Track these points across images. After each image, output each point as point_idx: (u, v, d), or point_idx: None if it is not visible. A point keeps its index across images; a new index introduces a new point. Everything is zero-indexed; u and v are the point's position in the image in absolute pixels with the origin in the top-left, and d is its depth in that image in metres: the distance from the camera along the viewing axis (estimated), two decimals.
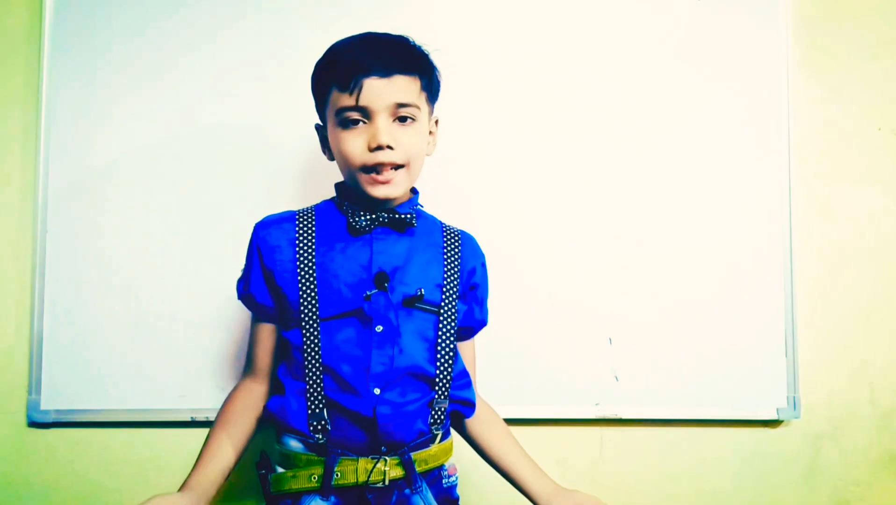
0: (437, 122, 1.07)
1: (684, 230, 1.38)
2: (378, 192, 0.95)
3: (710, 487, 1.40)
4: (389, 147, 0.93)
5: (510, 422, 1.35)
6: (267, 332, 1.02)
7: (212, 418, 1.28)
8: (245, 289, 1.01)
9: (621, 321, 1.36)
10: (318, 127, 1.04)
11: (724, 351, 1.37)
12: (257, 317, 1.03)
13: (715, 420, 1.39)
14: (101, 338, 1.29)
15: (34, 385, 1.29)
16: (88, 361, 1.28)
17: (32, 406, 1.29)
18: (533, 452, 1.36)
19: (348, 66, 0.94)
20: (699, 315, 1.37)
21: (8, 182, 1.34)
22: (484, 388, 1.29)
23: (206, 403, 1.28)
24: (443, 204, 1.32)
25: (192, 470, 0.94)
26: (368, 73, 0.93)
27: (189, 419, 1.29)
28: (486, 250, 1.34)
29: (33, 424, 1.30)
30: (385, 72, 0.94)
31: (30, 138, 1.33)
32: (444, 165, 1.35)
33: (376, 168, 0.94)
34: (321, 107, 1.01)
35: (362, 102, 0.93)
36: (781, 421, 1.41)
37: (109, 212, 1.31)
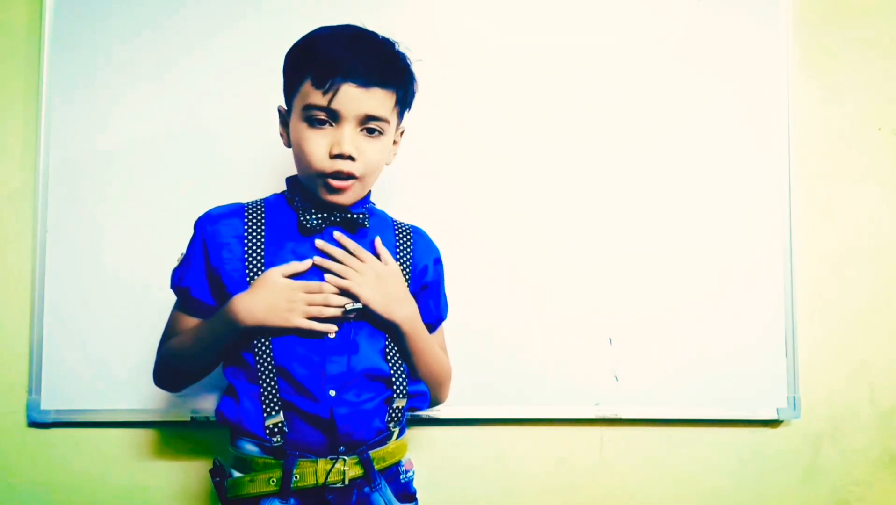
0: (402, 132, 1.07)
1: (684, 230, 1.38)
2: (331, 197, 0.96)
3: (710, 487, 1.40)
4: (351, 158, 0.93)
5: (510, 422, 1.36)
6: (190, 325, 1.01)
7: (212, 418, 1.29)
8: (180, 280, 0.99)
9: (621, 321, 1.36)
10: (280, 112, 1.03)
11: (724, 351, 1.37)
12: (185, 310, 1.01)
13: (715, 420, 1.39)
14: (101, 338, 1.29)
15: (34, 385, 1.29)
16: (88, 361, 1.28)
17: (32, 406, 1.29)
18: (533, 452, 1.37)
19: (328, 64, 0.92)
20: (699, 315, 1.37)
21: (8, 181, 1.34)
22: (483, 388, 1.29)
23: (206, 403, 1.28)
24: (442, 204, 1.33)
25: (204, 329, 0.98)
26: (347, 79, 0.92)
27: (189, 419, 1.29)
28: (487, 250, 1.34)
29: (33, 424, 1.30)
30: (364, 81, 0.92)
31: (30, 138, 1.33)
32: (444, 165, 1.35)
33: (333, 174, 0.94)
34: (290, 91, 0.99)
35: (334, 106, 0.92)
36: (781, 421, 1.41)
37: (109, 211, 1.31)
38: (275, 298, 0.92)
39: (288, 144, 1.02)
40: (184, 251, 1.01)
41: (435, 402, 1.11)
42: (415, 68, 1.03)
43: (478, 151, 1.36)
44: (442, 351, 1.13)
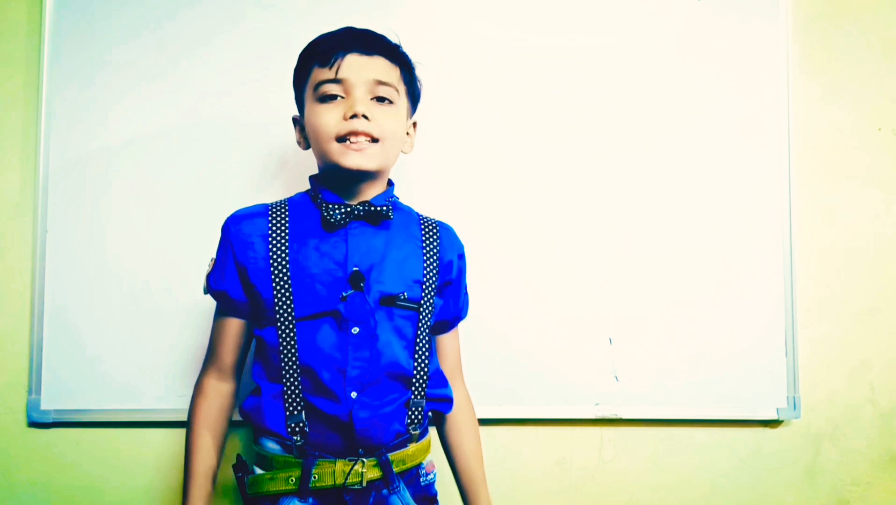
0: (415, 124, 1.07)
1: (684, 230, 1.38)
2: (350, 160, 0.93)
3: (710, 487, 1.40)
4: (365, 116, 0.93)
5: (510, 422, 1.36)
6: (235, 327, 1.00)
7: None
8: (218, 284, 0.98)
9: (621, 321, 1.36)
10: (294, 119, 1.04)
11: (724, 351, 1.37)
12: (227, 312, 1.01)
13: (715, 420, 1.39)
14: (101, 338, 1.29)
15: (34, 385, 1.29)
16: (88, 361, 1.28)
17: (32, 406, 1.29)
18: (533, 452, 1.37)
19: (330, 46, 0.95)
20: (699, 315, 1.37)
21: (8, 182, 1.34)
22: (484, 388, 1.29)
23: None
24: (442, 204, 1.33)
25: (187, 484, 0.96)
26: (349, 51, 0.95)
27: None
28: (487, 250, 1.34)
29: (33, 424, 1.30)
30: (366, 51, 0.95)
31: (30, 138, 1.33)
32: (444, 165, 1.35)
33: (349, 137, 0.93)
34: (300, 92, 1.01)
35: (341, 75, 0.94)
36: (781, 421, 1.41)
37: (109, 212, 1.31)
38: None
39: (306, 147, 1.02)
40: (213, 256, 1.01)
41: None
42: (417, 71, 1.04)
43: (477, 151, 1.36)
44: (457, 361, 1.14)
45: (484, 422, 1.34)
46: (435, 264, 1.01)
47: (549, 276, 1.36)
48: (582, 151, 1.38)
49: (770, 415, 1.38)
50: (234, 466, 0.97)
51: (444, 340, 1.12)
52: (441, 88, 1.34)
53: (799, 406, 1.38)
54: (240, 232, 0.98)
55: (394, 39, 1.01)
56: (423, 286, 0.99)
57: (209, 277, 1.00)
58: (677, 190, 1.39)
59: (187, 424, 1.00)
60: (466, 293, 1.13)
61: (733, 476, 1.41)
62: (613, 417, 1.35)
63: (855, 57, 1.47)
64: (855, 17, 1.47)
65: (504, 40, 1.37)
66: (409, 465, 0.98)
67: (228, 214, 1.02)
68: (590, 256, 1.36)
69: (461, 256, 1.09)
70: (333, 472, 0.91)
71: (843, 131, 1.46)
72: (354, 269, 0.94)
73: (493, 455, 1.36)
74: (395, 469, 0.95)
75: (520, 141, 1.37)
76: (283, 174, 1.33)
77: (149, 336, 1.29)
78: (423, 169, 1.33)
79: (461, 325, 1.15)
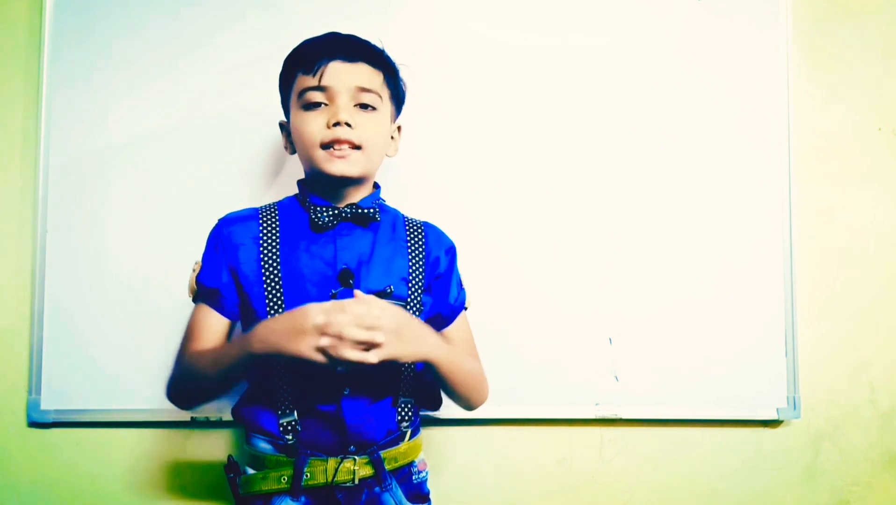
0: (399, 128, 1.08)
1: (684, 230, 1.38)
2: (334, 167, 0.95)
3: (710, 487, 1.40)
4: (348, 124, 0.95)
5: (510, 422, 1.36)
6: (218, 323, 0.98)
7: (212, 418, 1.30)
8: (212, 282, 0.98)
9: (621, 321, 1.36)
10: (281, 124, 1.06)
11: (724, 351, 1.37)
12: (214, 309, 0.99)
13: (715, 420, 1.39)
14: (101, 338, 1.29)
15: (34, 385, 1.29)
16: (88, 361, 1.28)
17: (32, 406, 1.29)
18: (533, 452, 1.37)
19: (314, 53, 0.97)
20: (699, 315, 1.37)
21: (8, 182, 1.34)
22: None
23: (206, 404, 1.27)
24: (442, 203, 1.33)
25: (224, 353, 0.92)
26: (333, 58, 0.96)
27: (189, 419, 1.29)
28: (487, 250, 1.34)
29: (33, 424, 1.30)
30: (349, 57, 0.97)
31: (30, 138, 1.33)
32: (444, 165, 1.35)
33: (333, 145, 0.95)
34: (286, 98, 1.03)
35: (324, 82, 0.95)
36: (781, 421, 1.41)
37: (110, 212, 1.31)
38: (291, 323, 0.84)
39: (293, 152, 1.04)
40: (198, 260, 1.01)
41: (472, 407, 1.07)
42: (411, 71, 1.05)
43: (477, 152, 1.36)
44: (470, 349, 1.10)
45: (483, 422, 1.34)
46: (421, 262, 1.03)
47: (549, 276, 1.36)
48: (582, 151, 1.38)
49: (770, 415, 1.38)
50: (225, 467, 0.98)
51: (448, 334, 1.10)
52: (440, 88, 1.34)
53: (799, 406, 1.38)
54: (231, 234, 0.99)
55: (378, 45, 1.02)
56: (410, 284, 1.01)
57: (199, 276, 1.00)
58: (677, 190, 1.39)
59: (186, 375, 0.96)
60: (461, 286, 1.12)
61: (733, 476, 1.41)
62: (613, 417, 1.35)
63: (855, 57, 1.47)
64: (855, 17, 1.47)
65: (504, 40, 1.37)
66: (401, 462, 0.98)
67: (218, 219, 1.02)
68: (590, 256, 1.36)
69: (449, 251, 1.09)
70: (325, 470, 0.92)
71: (843, 131, 1.46)
72: (344, 266, 0.96)
73: (493, 455, 1.36)
74: (388, 467, 0.96)
75: (520, 141, 1.37)
76: (282, 174, 1.33)
77: (149, 336, 1.29)
78: (423, 169, 1.33)
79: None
